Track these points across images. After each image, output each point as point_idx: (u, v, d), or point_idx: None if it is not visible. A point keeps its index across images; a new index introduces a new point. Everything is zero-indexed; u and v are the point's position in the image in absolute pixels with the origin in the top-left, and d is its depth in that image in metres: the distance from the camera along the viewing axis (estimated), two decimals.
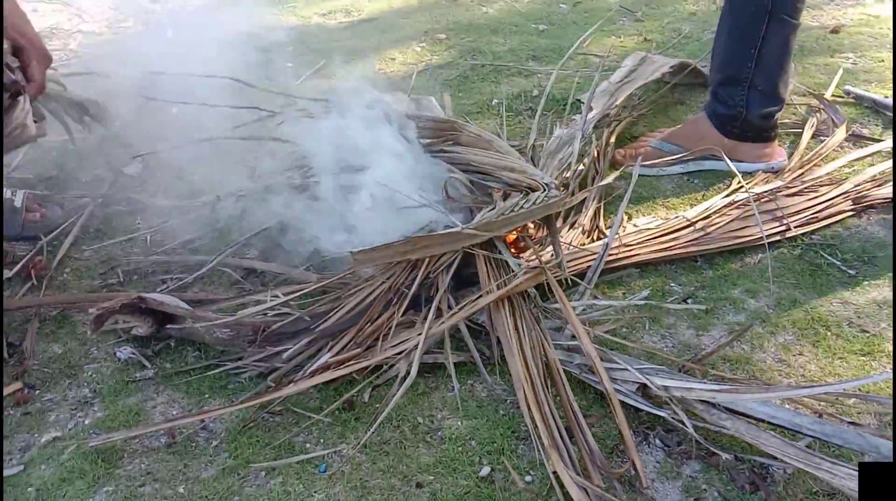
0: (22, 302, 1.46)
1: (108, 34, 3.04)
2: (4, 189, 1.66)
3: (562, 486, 1.00)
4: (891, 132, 1.86)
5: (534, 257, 1.31)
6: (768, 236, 1.46)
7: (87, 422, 1.22)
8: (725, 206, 1.53)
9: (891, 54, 2.33)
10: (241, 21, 3.14)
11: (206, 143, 2.05)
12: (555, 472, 1.02)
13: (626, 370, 1.13)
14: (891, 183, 1.63)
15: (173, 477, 1.10)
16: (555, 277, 1.29)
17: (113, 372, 1.32)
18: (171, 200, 1.79)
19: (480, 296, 1.25)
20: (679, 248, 1.44)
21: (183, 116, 2.29)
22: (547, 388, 1.14)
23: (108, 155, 2.04)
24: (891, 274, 1.41)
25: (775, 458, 1.03)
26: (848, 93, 2.09)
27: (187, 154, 2.00)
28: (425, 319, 1.24)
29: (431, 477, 1.06)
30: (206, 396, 1.25)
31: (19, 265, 1.53)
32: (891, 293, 1.36)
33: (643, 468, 1.03)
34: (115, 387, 1.28)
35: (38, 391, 1.28)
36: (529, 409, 1.09)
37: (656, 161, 1.74)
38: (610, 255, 1.38)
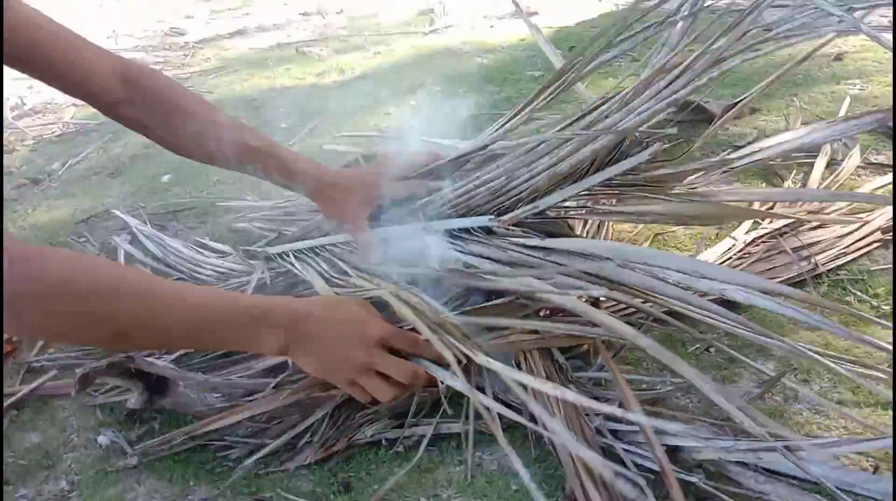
0: None
1: None
2: None
3: None
4: None
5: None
6: (794, 276, 1.36)
7: None
8: (748, 244, 1.42)
9: None
10: (235, 84, 3.14)
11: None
12: None
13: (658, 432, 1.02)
14: None
15: None
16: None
17: (93, 461, 1.21)
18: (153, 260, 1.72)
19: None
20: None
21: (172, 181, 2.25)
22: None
23: (98, 228, 1.98)
24: None
25: None
26: None
27: (178, 225, 1.95)
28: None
29: None
30: (192, 483, 1.14)
31: None
32: None
33: None
34: (95, 478, 1.18)
35: (11, 486, 1.18)
36: (581, 481, 0.97)
37: None
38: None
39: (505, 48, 3.18)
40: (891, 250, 1.48)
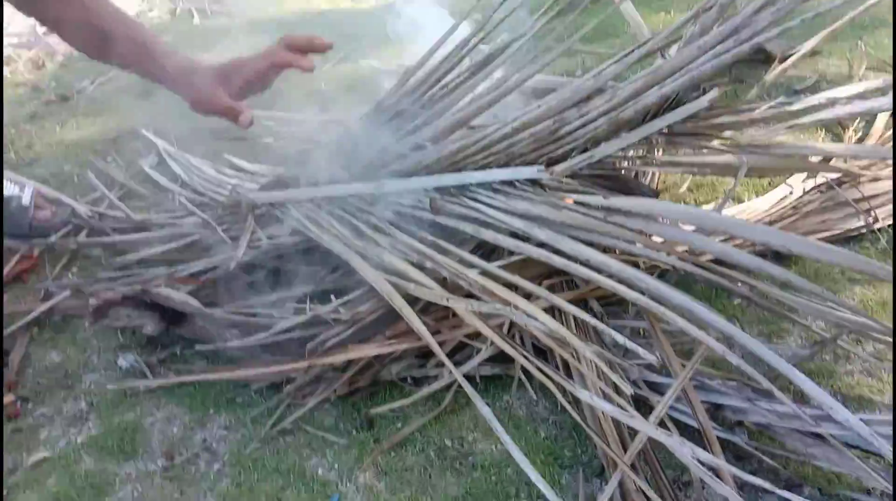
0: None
1: None
2: (13, 185, 1.56)
3: None
4: None
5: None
6: (849, 230, 1.27)
7: (79, 441, 1.09)
8: (805, 194, 1.33)
9: None
10: (271, 5, 3.04)
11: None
12: None
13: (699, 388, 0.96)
14: None
15: None
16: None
17: (113, 383, 1.19)
18: (188, 193, 1.67)
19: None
20: (747, 243, 1.26)
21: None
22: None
23: (124, 148, 1.94)
24: None
25: (868, 492, 0.86)
26: None
27: (203, 147, 1.90)
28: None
29: None
30: (211, 411, 1.12)
31: (7, 269, 1.41)
32: None
33: None
34: (114, 400, 1.16)
35: (31, 405, 1.17)
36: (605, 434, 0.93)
37: None
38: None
39: None
40: None
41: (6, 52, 2.67)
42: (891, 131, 1.56)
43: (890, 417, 0.88)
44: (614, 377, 0.90)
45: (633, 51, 1.21)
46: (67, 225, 1.58)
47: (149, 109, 2.17)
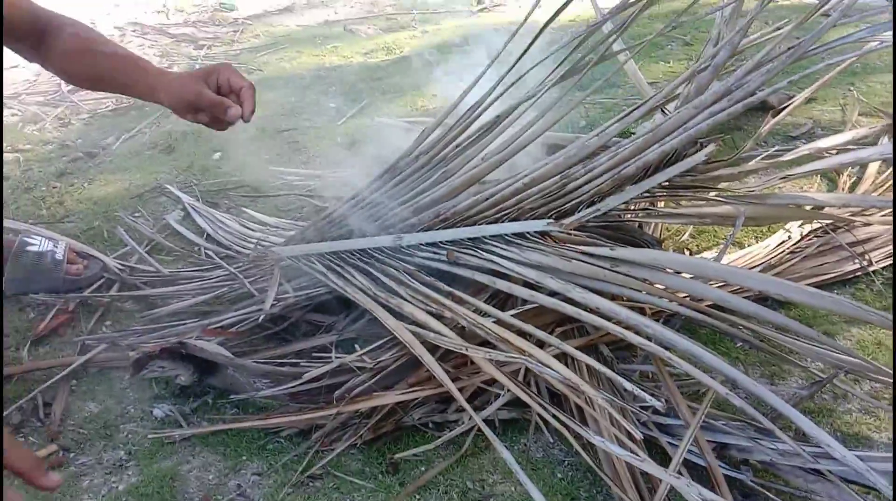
0: (43, 363, 1.40)
1: None
2: (46, 241, 1.65)
3: None
4: None
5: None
6: (846, 274, 1.34)
7: (120, 488, 1.16)
8: (802, 239, 1.40)
9: None
10: (284, 62, 3.16)
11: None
12: None
13: (705, 428, 1.02)
14: None
15: None
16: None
17: (149, 432, 1.26)
18: (213, 247, 1.75)
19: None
20: (746, 289, 1.33)
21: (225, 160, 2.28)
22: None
23: (150, 203, 2.03)
24: None
25: None
26: None
27: (226, 202, 1.98)
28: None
29: None
30: (244, 458, 1.18)
31: (45, 323, 1.50)
32: None
33: None
34: (151, 449, 1.22)
35: (72, 454, 1.23)
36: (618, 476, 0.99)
37: None
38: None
39: (555, 29, 3.15)
40: None
41: (33, 110, 2.79)
42: (884, 176, 1.64)
43: (886, 454, 0.93)
44: (626, 424, 0.96)
45: (634, 110, 1.29)
46: (99, 279, 1.66)
47: (172, 164, 2.27)
